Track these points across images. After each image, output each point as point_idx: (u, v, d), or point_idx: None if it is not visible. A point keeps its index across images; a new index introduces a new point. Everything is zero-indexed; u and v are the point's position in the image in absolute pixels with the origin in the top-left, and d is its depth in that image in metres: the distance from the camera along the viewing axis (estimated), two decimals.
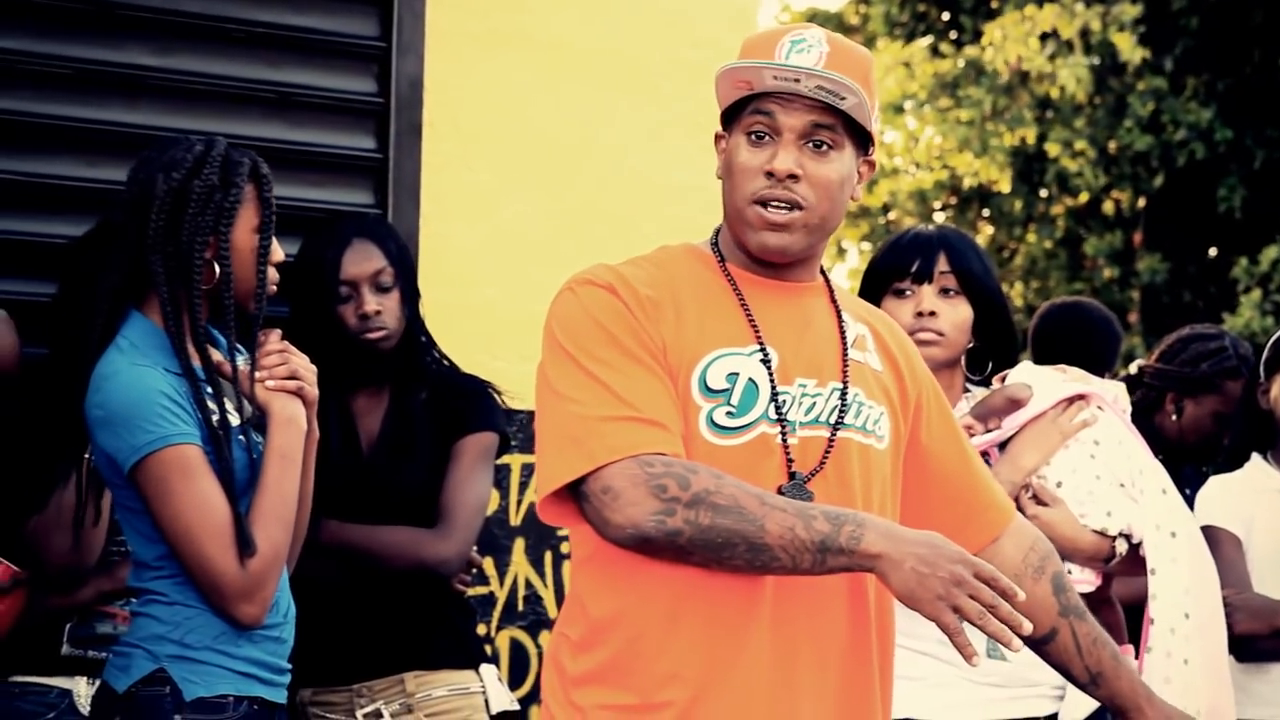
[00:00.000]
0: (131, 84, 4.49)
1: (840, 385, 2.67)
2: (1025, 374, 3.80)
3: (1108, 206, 15.24)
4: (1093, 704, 3.61)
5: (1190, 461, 4.78)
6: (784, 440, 2.59)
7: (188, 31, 4.55)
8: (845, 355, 2.69)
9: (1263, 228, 14.04)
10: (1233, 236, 14.52)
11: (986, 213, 15.82)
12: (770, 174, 2.62)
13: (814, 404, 2.63)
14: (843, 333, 2.72)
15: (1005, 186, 15.17)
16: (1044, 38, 14.34)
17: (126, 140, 4.34)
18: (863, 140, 2.70)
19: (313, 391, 3.36)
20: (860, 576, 2.61)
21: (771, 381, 2.60)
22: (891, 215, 16.13)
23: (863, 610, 2.64)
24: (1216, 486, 4.37)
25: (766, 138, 2.63)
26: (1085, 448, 3.73)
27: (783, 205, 2.62)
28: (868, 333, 2.77)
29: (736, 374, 2.59)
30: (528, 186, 4.97)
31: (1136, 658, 3.67)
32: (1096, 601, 3.72)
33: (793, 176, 2.61)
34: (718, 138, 2.73)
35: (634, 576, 2.55)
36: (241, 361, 3.30)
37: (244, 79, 4.61)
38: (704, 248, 2.74)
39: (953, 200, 15.88)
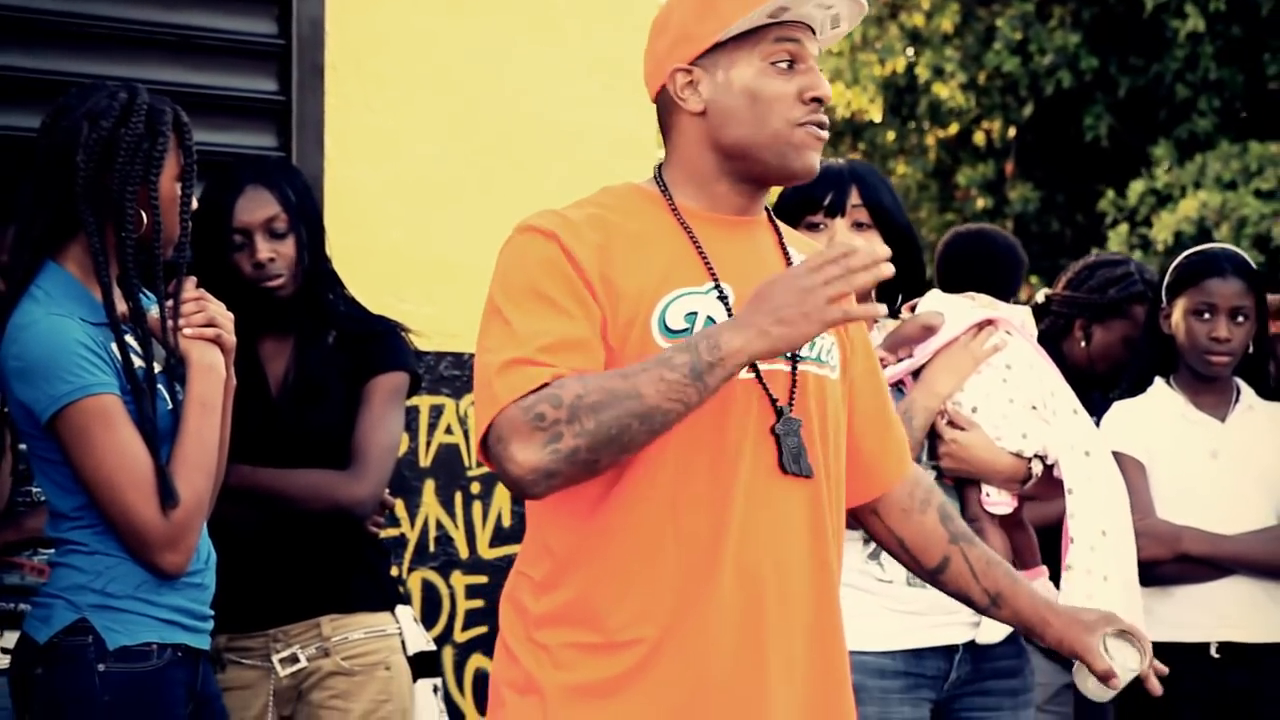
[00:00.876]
0: (31, 29, 4.42)
1: None
2: (935, 301, 3.83)
3: (979, 137, 15.35)
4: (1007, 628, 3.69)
5: (1099, 388, 4.81)
6: (758, 375, 2.58)
7: None
8: None
9: (1129, 156, 14.21)
10: (1100, 165, 14.69)
11: (860, 145, 15.89)
12: (817, 99, 2.61)
13: None
14: (789, 265, 2.69)
15: (876, 116, 15.24)
16: None
17: (27, 86, 4.29)
18: None
19: (230, 339, 3.35)
20: (818, 507, 2.63)
21: (730, 318, 2.56)
22: None
23: (822, 540, 2.65)
24: (1120, 412, 4.42)
25: (792, 65, 2.63)
26: (997, 372, 3.76)
27: (821, 129, 2.63)
28: None
29: (695, 313, 2.56)
30: (432, 128, 4.94)
31: (1054, 578, 3.73)
32: (1009, 524, 3.79)
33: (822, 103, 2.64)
34: (679, 71, 2.65)
35: (597, 515, 2.54)
36: (156, 310, 3.28)
37: (144, 22, 4.56)
38: (649, 186, 2.70)
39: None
